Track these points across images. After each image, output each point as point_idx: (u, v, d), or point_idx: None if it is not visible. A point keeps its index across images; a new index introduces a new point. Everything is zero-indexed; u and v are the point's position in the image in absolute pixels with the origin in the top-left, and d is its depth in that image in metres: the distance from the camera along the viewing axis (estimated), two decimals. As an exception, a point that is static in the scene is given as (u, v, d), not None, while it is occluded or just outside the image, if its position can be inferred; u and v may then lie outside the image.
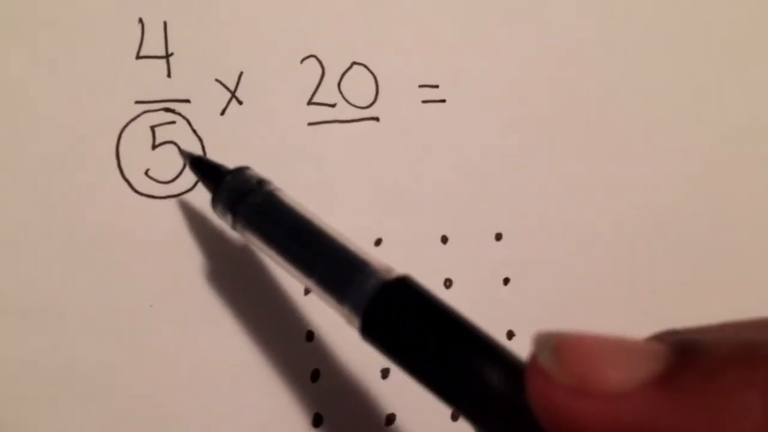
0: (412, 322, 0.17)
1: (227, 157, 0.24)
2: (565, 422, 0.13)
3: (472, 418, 0.16)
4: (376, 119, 0.27)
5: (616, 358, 0.13)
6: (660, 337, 0.14)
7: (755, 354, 0.12)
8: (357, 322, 0.18)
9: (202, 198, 0.24)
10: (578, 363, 0.13)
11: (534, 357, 0.14)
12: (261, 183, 0.21)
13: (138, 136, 0.24)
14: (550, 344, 0.14)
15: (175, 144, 0.24)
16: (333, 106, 0.26)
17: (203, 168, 0.23)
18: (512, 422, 0.15)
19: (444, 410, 0.26)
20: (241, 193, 0.21)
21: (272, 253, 0.20)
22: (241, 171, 0.22)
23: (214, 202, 0.22)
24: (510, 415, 0.15)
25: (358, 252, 0.19)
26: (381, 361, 0.26)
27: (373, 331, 0.18)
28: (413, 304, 0.17)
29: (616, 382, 0.13)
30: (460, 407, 0.16)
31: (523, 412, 0.14)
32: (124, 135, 0.23)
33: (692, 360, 0.13)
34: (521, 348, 0.27)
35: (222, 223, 0.24)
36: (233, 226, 0.21)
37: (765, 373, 0.12)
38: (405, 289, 0.18)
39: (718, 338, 0.13)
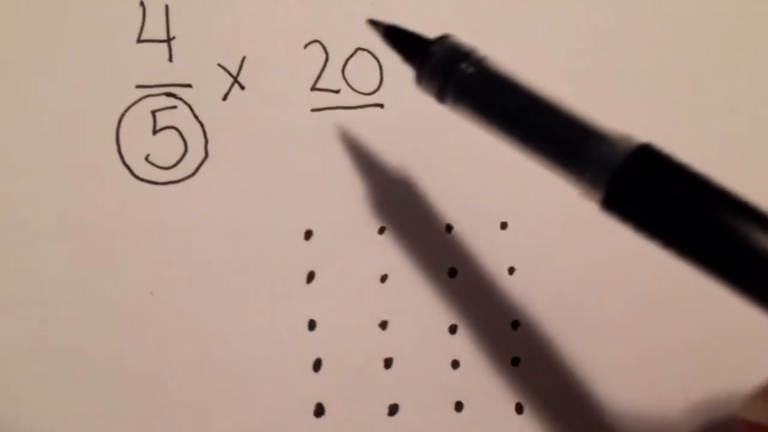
0: (667, 192, 0.16)
1: (229, 144, 0.24)
2: None
3: (745, 286, 0.16)
4: (381, 106, 0.26)
5: None
6: None
7: None
8: (599, 194, 0.17)
9: (203, 184, 0.24)
10: None
11: None
12: (470, 52, 0.20)
13: (139, 120, 0.23)
14: None
15: (177, 130, 0.24)
16: (337, 92, 0.26)
17: (400, 39, 0.22)
18: None
19: (448, 400, 0.26)
20: (449, 64, 0.20)
21: (491, 125, 0.19)
22: (445, 40, 0.21)
23: (420, 75, 0.21)
24: None
25: (590, 121, 0.18)
26: (384, 350, 0.26)
27: (619, 202, 0.17)
28: (665, 173, 0.17)
29: None
30: (730, 275, 0.16)
31: None
32: (124, 119, 0.23)
33: None
34: (527, 338, 0.27)
35: (225, 209, 0.24)
36: (441, 100, 0.20)
37: None
38: (652, 158, 0.17)
39: None
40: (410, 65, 0.21)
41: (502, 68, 0.20)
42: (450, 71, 0.20)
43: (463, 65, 0.20)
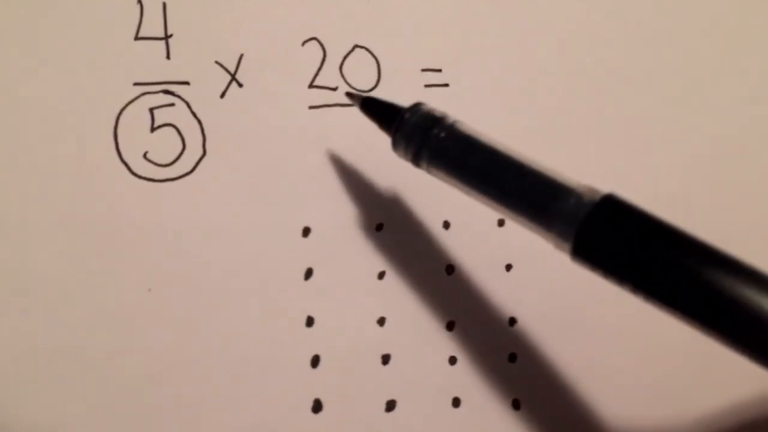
0: (630, 240, 0.17)
1: (227, 141, 0.24)
2: None
3: (710, 325, 0.16)
4: (378, 103, 0.26)
5: None
6: None
7: None
8: (568, 245, 0.18)
9: (201, 181, 0.24)
10: None
11: None
12: (441, 118, 0.22)
13: (136, 118, 0.23)
14: None
15: (175, 127, 0.24)
16: (334, 89, 0.26)
17: (376, 108, 0.23)
18: None
19: (445, 396, 0.26)
20: (423, 130, 0.22)
21: (464, 185, 0.21)
22: (418, 108, 0.22)
23: (395, 141, 0.22)
24: None
25: (555, 175, 0.20)
26: (382, 346, 0.26)
27: (586, 252, 0.18)
28: (627, 223, 0.18)
29: None
30: (695, 316, 0.17)
31: None
32: (122, 117, 0.23)
33: None
34: (524, 335, 0.27)
35: (223, 206, 0.24)
36: (416, 163, 0.22)
37: None
38: (615, 208, 0.18)
39: None
40: (386, 132, 0.23)
41: (473, 132, 0.21)
42: (423, 136, 0.22)
43: (435, 130, 0.21)
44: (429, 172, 0.22)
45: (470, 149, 0.21)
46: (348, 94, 0.25)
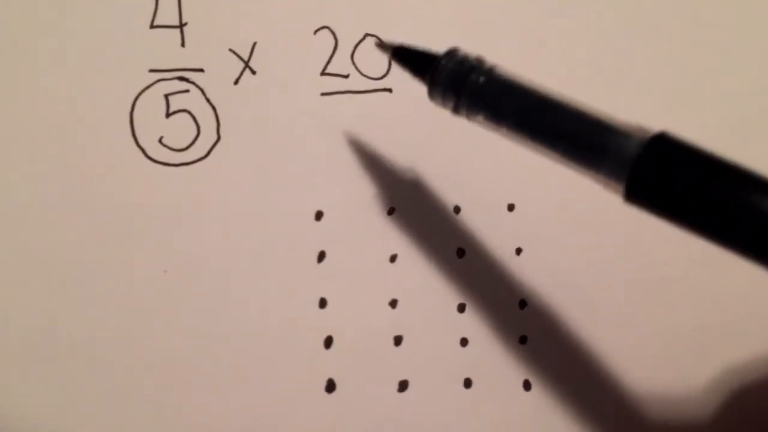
0: (688, 177, 0.17)
1: (241, 127, 0.25)
2: None
3: None
4: (389, 90, 0.27)
5: None
6: None
7: None
8: (621, 186, 0.18)
9: (215, 166, 0.24)
10: None
11: None
12: (479, 62, 0.21)
13: (152, 104, 0.24)
14: None
15: (190, 113, 0.24)
16: (346, 77, 0.26)
17: (409, 57, 0.22)
18: None
19: (457, 377, 0.26)
20: (461, 76, 0.21)
21: (507, 130, 0.20)
22: (454, 53, 0.21)
23: (432, 90, 0.21)
24: None
25: (604, 116, 0.19)
26: (394, 328, 0.26)
27: (642, 191, 0.18)
28: (683, 159, 0.17)
29: None
30: (759, 253, 0.16)
31: None
32: (138, 103, 0.24)
33: None
34: (534, 317, 0.27)
35: (237, 190, 0.24)
36: (455, 111, 0.21)
37: None
38: (669, 146, 0.17)
39: None
40: (421, 81, 0.22)
41: (512, 75, 0.20)
42: (461, 83, 0.21)
43: (474, 76, 0.21)
44: (469, 119, 0.21)
45: (511, 93, 0.20)
46: (378, 45, 0.24)
